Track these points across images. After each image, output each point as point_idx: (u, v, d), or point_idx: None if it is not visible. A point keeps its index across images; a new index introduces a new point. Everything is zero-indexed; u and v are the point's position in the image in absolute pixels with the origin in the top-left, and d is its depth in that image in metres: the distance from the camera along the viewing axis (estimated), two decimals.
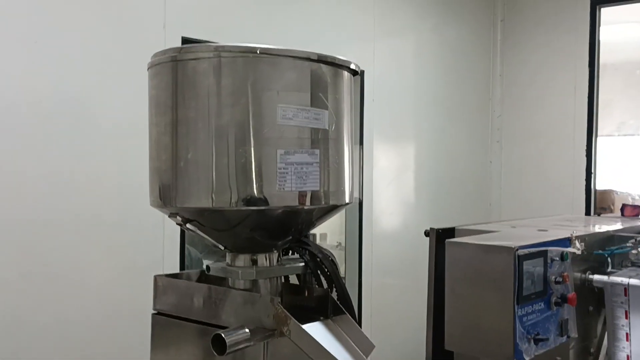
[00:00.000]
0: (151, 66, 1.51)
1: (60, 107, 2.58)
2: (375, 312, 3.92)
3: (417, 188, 4.55)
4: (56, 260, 2.56)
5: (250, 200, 1.40)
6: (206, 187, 1.42)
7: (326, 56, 1.47)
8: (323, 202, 1.48)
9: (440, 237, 2.90)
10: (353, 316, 1.60)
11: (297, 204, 1.44)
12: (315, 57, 1.45)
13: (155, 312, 1.70)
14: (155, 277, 1.71)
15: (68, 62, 2.59)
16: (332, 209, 1.55)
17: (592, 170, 4.46)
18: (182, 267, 2.93)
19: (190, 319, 1.61)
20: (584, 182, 4.45)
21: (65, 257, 2.58)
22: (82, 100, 2.64)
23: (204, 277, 1.74)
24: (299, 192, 1.43)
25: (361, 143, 4.16)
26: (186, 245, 3.07)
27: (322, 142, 1.47)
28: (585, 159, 4.45)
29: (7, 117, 2.44)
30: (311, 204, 1.46)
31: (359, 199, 4.28)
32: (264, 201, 1.40)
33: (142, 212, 2.76)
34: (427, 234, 3.04)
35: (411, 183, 4.57)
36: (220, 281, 1.66)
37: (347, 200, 1.56)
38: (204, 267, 1.64)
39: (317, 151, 1.45)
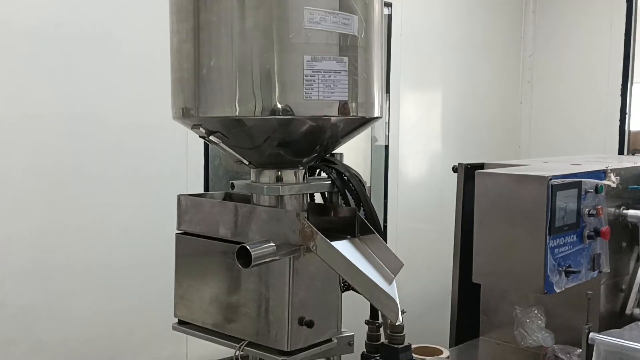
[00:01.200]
0: None
1: (83, 33, 2.52)
2: (401, 255, 3.87)
3: (444, 131, 4.46)
4: (80, 191, 2.55)
5: (274, 109, 1.34)
6: (229, 96, 1.36)
7: None
8: (351, 114, 1.42)
9: (468, 173, 2.83)
10: (381, 235, 1.55)
11: (324, 114, 1.38)
12: None
13: (179, 232, 1.67)
14: (179, 197, 1.67)
15: None
16: (360, 123, 1.49)
17: (627, 111, 4.30)
18: None
19: (214, 237, 1.58)
20: (617, 123, 4.30)
21: (88, 188, 2.57)
22: (105, 25, 2.58)
23: (228, 197, 1.70)
24: (326, 101, 1.36)
25: (388, 91, 4.09)
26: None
27: (351, 49, 1.40)
28: (619, 98, 4.30)
29: (29, 43, 2.40)
30: (339, 115, 1.40)
31: (385, 143, 4.23)
32: (289, 110, 1.35)
33: (165, 144, 2.76)
34: (455, 169, 2.98)
35: (438, 125, 4.48)
36: (245, 201, 1.62)
37: (376, 114, 1.49)
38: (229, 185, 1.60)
39: (345, 59, 1.38)
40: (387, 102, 4.08)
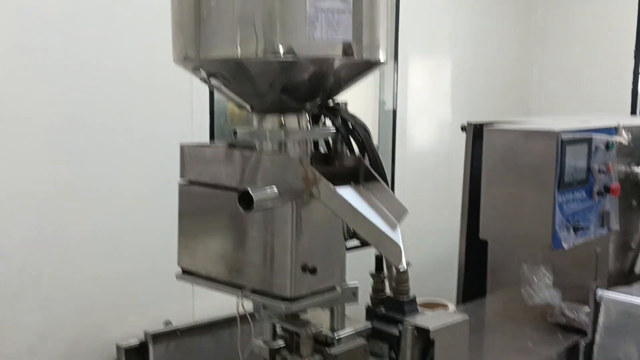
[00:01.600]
0: None
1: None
2: (409, 216, 3.85)
3: (453, 94, 4.40)
4: (85, 148, 2.54)
5: (276, 50, 1.31)
6: (230, 37, 1.33)
7: None
8: (356, 56, 1.38)
9: (477, 132, 2.79)
10: (386, 183, 1.53)
11: (327, 54, 1.34)
12: None
13: (182, 181, 1.65)
14: (182, 146, 1.65)
15: None
16: (365, 67, 1.45)
17: None
18: None
19: (217, 185, 1.56)
20: (630, 85, 4.22)
21: (93, 145, 2.56)
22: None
23: (231, 147, 1.68)
24: (330, 41, 1.33)
25: (396, 59, 4.04)
26: None
27: None
28: (633, 60, 4.21)
29: (33, 19, 2.37)
30: (343, 56, 1.36)
31: (393, 108, 4.19)
32: (291, 50, 1.31)
33: (169, 102, 2.74)
34: (464, 128, 2.94)
35: (447, 89, 4.42)
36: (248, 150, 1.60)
37: (381, 58, 1.45)
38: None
39: None
40: (396, 66, 4.03)
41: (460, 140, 2.92)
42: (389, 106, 4.23)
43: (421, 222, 3.98)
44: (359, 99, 3.31)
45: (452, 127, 4.10)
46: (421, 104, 4.25)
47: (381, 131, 4.26)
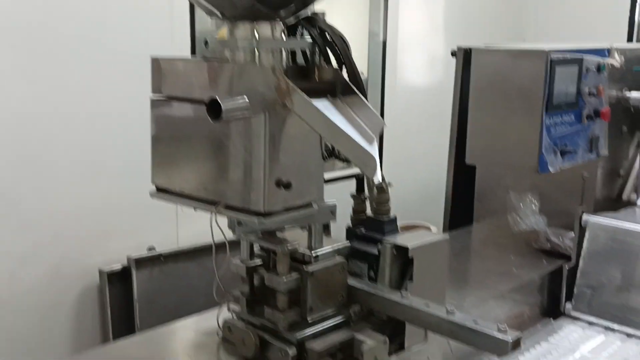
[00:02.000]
0: None
1: None
2: (397, 143, 3.80)
3: (445, 24, 4.30)
4: (63, 72, 2.47)
5: None
6: None
7: None
8: None
9: (467, 58, 2.71)
10: (364, 96, 1.48)
11: None
12: None
13: (154, 97, 1.59)
14: (153, 60, 1.58)
15: None
16: None
17: (638, 0, 4.10)
18: None
19: (190, 99, 1.50)
20: (627, 13, 4.11)
21: (71, 69, 2.49)
22: None
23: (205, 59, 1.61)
24: None
25: None
26: None
27: None
28: None
29: None
30: None
31: (383, 39, 4.10)
32: None
33: (149, 23, 2.65)
34: (454, 54, 2.86)
35: (440, 19, 4.32)
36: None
37: None
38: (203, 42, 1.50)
39: None
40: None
41: (452, 72, 2.84)
42: (380, 37, 4.14)
43: (410, 151, 3.96)
44: (348, 30, 3.23)
45: (444, 59, 4.01)
46: (413, 35, 4.16)
47: (371, 62, 4.18)
